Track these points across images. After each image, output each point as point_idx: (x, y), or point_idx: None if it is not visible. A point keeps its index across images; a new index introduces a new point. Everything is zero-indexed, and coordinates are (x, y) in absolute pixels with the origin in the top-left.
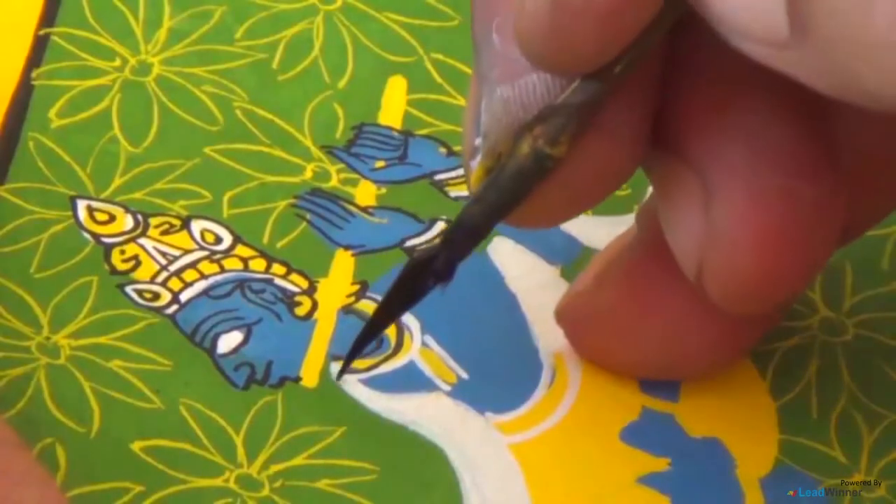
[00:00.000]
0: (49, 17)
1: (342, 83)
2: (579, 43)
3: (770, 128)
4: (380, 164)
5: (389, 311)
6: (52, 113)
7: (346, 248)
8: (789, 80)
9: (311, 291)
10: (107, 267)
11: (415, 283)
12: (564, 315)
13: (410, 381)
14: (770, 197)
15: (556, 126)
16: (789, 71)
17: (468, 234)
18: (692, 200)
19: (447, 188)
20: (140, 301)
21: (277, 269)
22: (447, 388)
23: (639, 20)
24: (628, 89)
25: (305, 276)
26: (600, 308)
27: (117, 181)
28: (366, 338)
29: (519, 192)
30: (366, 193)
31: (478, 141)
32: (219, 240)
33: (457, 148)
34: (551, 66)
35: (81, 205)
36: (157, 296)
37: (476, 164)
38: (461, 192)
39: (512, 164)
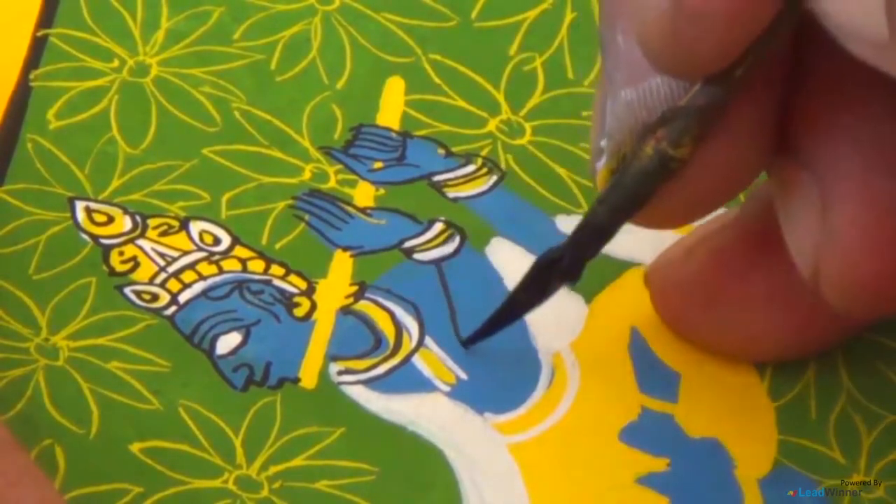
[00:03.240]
0: (47, 18)
1: (340, 84)
2: (700, 47)
3: (887, 131)
4: (378, 164)
5: (513, 310)
6: (50, 114)
7: (345, 248)
8: None
9: (309, 292)
10: (105, 268)
11: (541, 282)
12: (652, 279)
13: (409, 381)
14: (886, 203)
15: (679, 128)
16: (891, 70)
17: (594, 233)
18: (810, 204)
19: (445, 189)
20: (139, 302)
21: (276, 270)
22: (446, 388)
23: (758, 23)
24: (751, 92)
25: (304, 277)
26: (687, 277)
27: (116, 182)
28: (486, 334)
29: (642, 194)
30: (364, 194)
31: (603, 142)
32: (217, 241)
33: (455, 149)
34: (673, 70)
35: (80, 206)
36: (155, 297)
37: (601, 165)
38: (459, 192)
39: (636, 165)
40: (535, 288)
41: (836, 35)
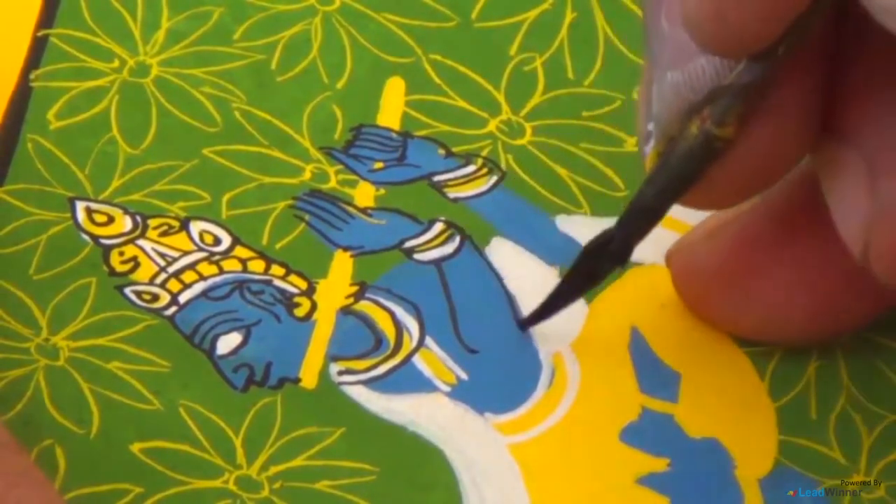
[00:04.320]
0: (47, 18)
1: (340, 84)
2: (743, 24)
3: None
4: (378, 165)
5: (566, 294)
6: (50, 114)
7: (345, 249)
8: None
9: (310, 292)
10: (106, 268)
11: (591, 265)
12: (673, 261)
13: (410, 381)
14: None
15: (724, 107)
16: None
17: (642, 214)
18: (858, 181)
19: (446, 189)
20: (139, 302)
21: (276, 270)
22: (446, 388)
23: (799, 1)
24: (793, 70)
25: (304, 277)
26: (708, 259)
27: (116, 182)
28: (539, 318)
29: (689, 174)
30: (364, 194)
31: (650, 126)
32: (217, 241)
33: (455, 149)
34: (717, 49)
35: (80, 206)
36: (156, 297)
37: (650, 148)
38: (460, 193)
39: (682, 145)
40: (585, 272)
41: (873, 12)
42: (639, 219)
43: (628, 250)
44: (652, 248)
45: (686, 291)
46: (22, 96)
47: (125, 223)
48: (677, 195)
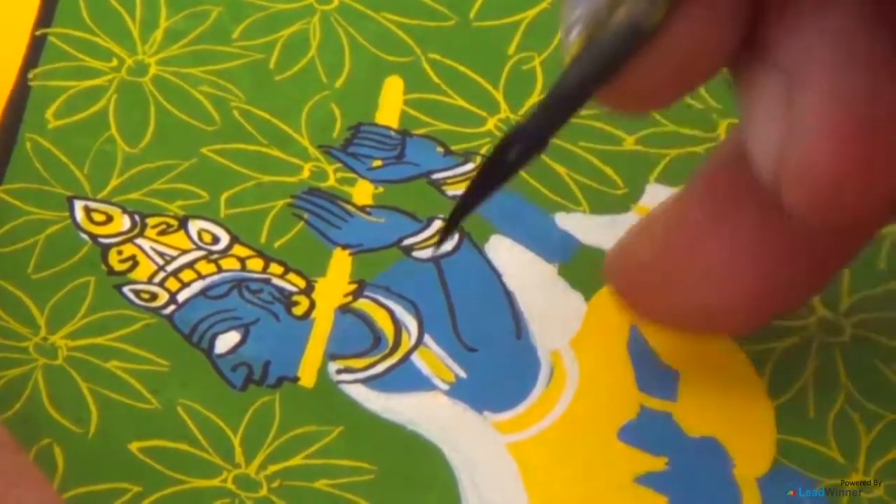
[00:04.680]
0: (46, 17)
1: (339, 83)
2: None
3: (857, 28)
4: (377, 163)
5: (480, 188)
6: (49, 114)
7: (344, 247)
8: None
9: (308, 291)
10: (104, 267)
11: (505, 153)
12: (611, 266)
13: (408, 380)
14: (854, 95)
15: None
16: None
17: (562, 100)
18: (775, 99)
19: (444, 187)
20: (137, 301)
21: (275, 268)
22: (445, 387)
23: None
24: None
25: (303, 276)
26: (641, 259)
27: (114, 181)
28: (455, 220)
29: (615, 59)
30: (363, 193)
31: (577, 12)
32: (216, 240)
33: (454, 147)
34: None
35: (78, 205)
36: (154, 296)
37: (575, 34)
38: (458, 191)
39: (608, 30)
40: (499, 162)
41: None
42: (559, 104)
43: (545, 136)
44: None
45: (623, 294)
46: (20, 95)
47: (124, 222)
48: (599, 82)
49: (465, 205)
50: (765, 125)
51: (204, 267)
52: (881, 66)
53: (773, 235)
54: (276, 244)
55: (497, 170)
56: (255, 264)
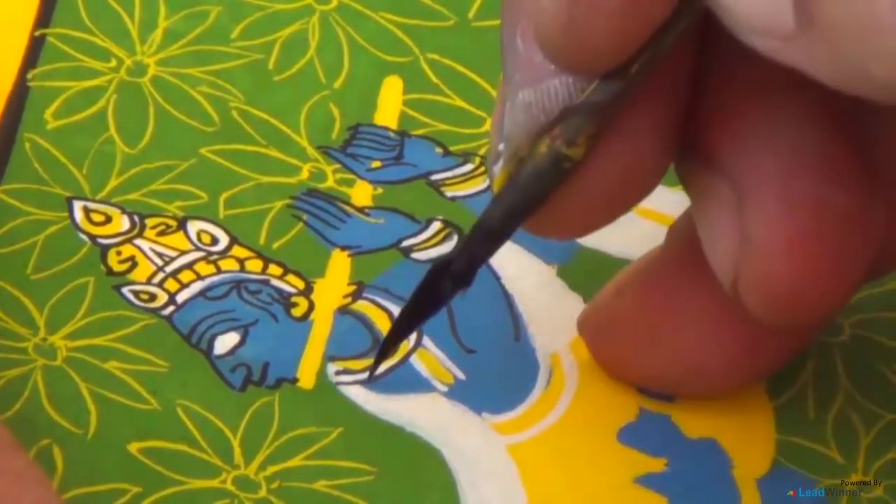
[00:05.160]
0: (45, 17)
1: (338, 83)
2: (594, 38)
3: (804, 134)
4: (376, 164)
5: (410, 318)
6: (48, 114)
7: (343, 248)
8: (822, 86)
9: (307, 292)
10: (103, 268)
11: (434, 288)
12: (584, 326)
13: (407, 381)
14: (803, 203)
15: (574, 126)
16: (798, 64)
17: (486, 236)
18: (725, 208)
19: (443, 188)
20: (136, 302)
21: (274, 269)
22: (444, 388)
23: (653, 16)
24: (649, 92)
25: (302, 277)
26: (618, 318)
27: (113, 182)
28: (387, 346)
29: (537, 195)
30: (362, 194)
31: (501, 146)
32: (215, 241)
33: (453, 148)
34: (569, 63)
35: (78, 206)
36: (153, 297)
37: (498, 168)
38: (457, 192)
39: (530, 165)
40: (429, 294)
41: (738, 31)
42: (483, 240)
43: (472, 272)
44: (647, 246)
45: (600, 356)
46: (19, 96)
47: (123, 223)
48: (523, 216)
49: (397, 334)
50: (719, 238)
51: (203, 268)
52: (830, 171)
53: None
54: (275, 245)
55: (428, 300)
56: (254, 265)
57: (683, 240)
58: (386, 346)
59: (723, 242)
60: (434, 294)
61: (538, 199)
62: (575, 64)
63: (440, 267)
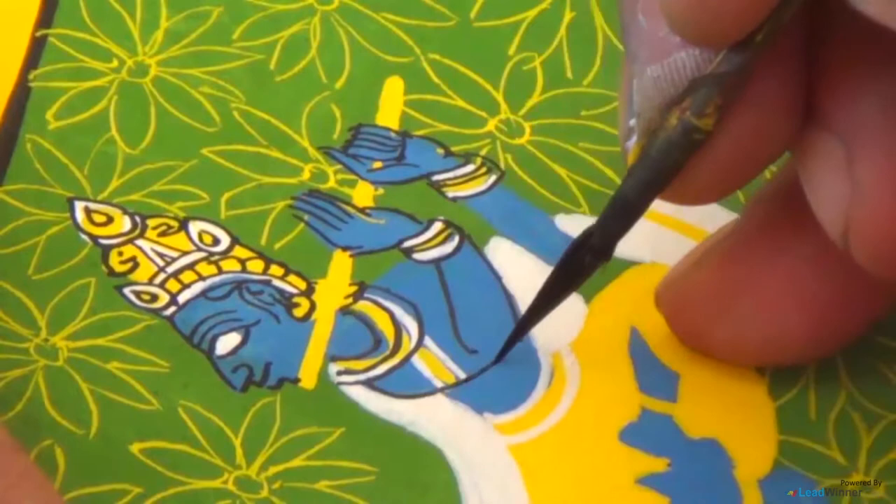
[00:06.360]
0: (46, 18)
1: (339, 84)
2: (723, 10)
3: None
4: (377, 164)
5: (550, 294)
6: (49, 115)
7: (344, 248)
8: None
9: (309, 292)
10: (105, 268)
11: (574, 263)
12: (662, 298)
13: (409, 382)
14: None
15: (703, 97)
16: None
17: (623, 209)
18: (835, 165)
19: (445, 189)
20: (138, 303)
21: (275, 270)
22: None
23: None
24: (774, 61)
25: (303, 278)
26: (696, 290)
27: (115, 183)
28: (525, 324)
29: (669, 166)
30: (363, 194)
31: (632, 122)
32: (216, 241)
33: (454, 148)
34: (696, 37)
35: (79, 206)
36: (155, 297)
37: (632, 144)
38: (459, 192)
39: (661, 137)
40: (570, 270)
41: None
42: (620, 213)
43: (611, 245)
44: (650, 246)
45: (681, 328)
46: (21, 96)
47: (124, 223)
48: (658, 189)
49: (536, 311)
50: (828, 193)
51: (204, 268)
52: None
53: (832, 265)
54: (277, 246)
55: (568, 276)
56: (256, 266)
57: (761, 212)
58: (524, 324)
59: (832, 196)
60: (574, 269)
61: (671, 170)
62: (705, 36)
63: (579, 242)
